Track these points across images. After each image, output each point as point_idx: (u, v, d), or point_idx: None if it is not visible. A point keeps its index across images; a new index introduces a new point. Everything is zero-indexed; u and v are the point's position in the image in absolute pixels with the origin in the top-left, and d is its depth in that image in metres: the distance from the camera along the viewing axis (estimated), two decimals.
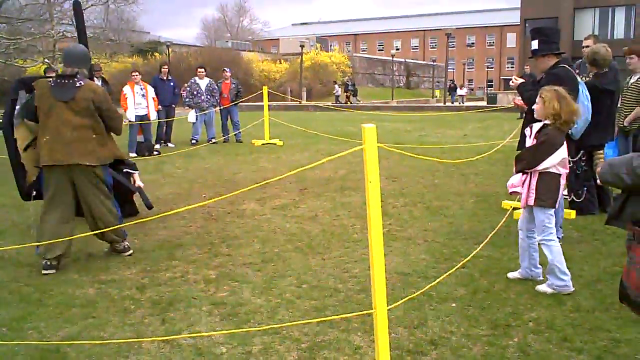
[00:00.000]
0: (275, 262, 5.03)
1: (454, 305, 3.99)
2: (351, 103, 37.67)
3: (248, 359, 3.32)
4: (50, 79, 5.03)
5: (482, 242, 5.15)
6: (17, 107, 5.32)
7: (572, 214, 6.23)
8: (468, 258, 4.55)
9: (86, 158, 4.86)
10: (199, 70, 14.07)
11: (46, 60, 33.21)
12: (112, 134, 5.28)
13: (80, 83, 4.90)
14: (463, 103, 41.54)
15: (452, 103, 41.15)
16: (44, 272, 4.85)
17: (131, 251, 5.34)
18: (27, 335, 3.72)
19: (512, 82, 5.48)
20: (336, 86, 42.04)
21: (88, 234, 4.86)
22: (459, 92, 45.69)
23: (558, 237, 5.24)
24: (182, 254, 5.32)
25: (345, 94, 40.74)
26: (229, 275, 4.74)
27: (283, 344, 3.48)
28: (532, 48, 5.25)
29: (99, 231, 5.01)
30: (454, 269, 4.30)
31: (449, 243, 5.50)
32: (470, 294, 4.19)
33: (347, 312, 3.89)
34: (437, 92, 50.54)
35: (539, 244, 4.31)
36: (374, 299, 2.71)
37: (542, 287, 4.26)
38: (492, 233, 5.06)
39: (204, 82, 13.79)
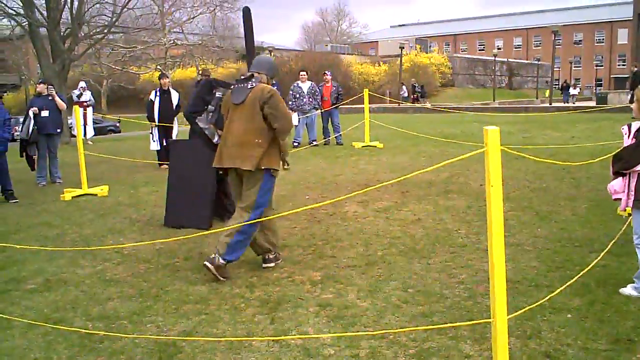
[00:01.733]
0: (379, 265, 5.03)
1: (569, 316, 3.81)
2: (420, 104, 37.05)
3: None
4: (233, 85, 5.11)
5: (598, 250, 4.89)
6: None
7: None
8: (589, 267, 4.32)
9: (243, 162, 4.77)
10: (301, 73, 14.30)
11: (158, 67, 35.09)
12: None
13: (253, 85, 4.88)
14: (574, 102, 39.73)
15: (565, 103, 39.37)
16: (264, 265, 5.08)
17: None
18: (146, 328, 3.94)
19: None
20: (403, 87, 41.52)
21: (235, 225, 4.91)
22: (572, 91, 43.74)
23: None
24: (288, 255, 5.43)
25: (413, 95, 40.23)
26: (333, 277, 4.78)
27: (390, 349, 3.46)
28: None
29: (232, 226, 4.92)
30: (573, 280, 4.09)
31: (560, 250, 5.26)
32: (586, 305, 3.98)
33: (454, 319, 3.82)
34: (546, 92, 48.50)
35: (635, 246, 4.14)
36: (492, 307, 2.64)
37: (627, 290, 4.13)
38: (612, 242, 4.78)
39: (306, 86, 14.01)
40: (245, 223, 4.73)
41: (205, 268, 4.76)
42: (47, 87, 10.41)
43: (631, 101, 17.16)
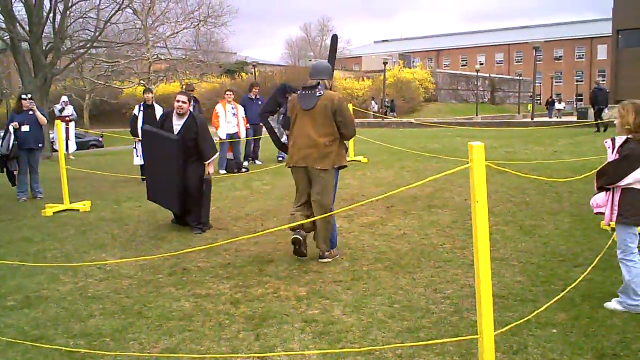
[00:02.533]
0: (365, 281, 5.00)
1: (554, 331, 3.82)
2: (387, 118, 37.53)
3: None
4: (299, 92, 5.62)
5: (582, 264, 4.92)
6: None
7: None
8: (575, 283, 4.34)
9: (316, 162, 5.40)
10: None
11: (142, 81, 34.94)
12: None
13: (321, 93, 5.45)
14: (561, 117, 40.33)
15: (550, 118, 39.89)
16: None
17: (329, 259, 5.62)
18: (129, 346, 3.87)
19: None
20: (373, 102, 42.01)
21: (305, 221, 5.52)
22: (557, 106, 44.40)
23: None
24: (273, 270, 5.39)
25: (381, 110, 40.79)
26: (319, 292, 4.75)
27: None
28: None
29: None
30: (560, 295, 4.10)
31: (545, 265, 5.28)
32: (571, 319, 3.99)
33: (440, 334, 3.81)
34: (529, 106, 49.17)
35: (619, 261, 4.16)
36: (479, 324, 2.63)
37: (611, 304, 4.15)
38: (598, 258, 4.81)
39: None
40: (328, 215, 5.50)
41: (323, 260, 5.57)
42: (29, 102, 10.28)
43: (596, 117, 17.41)
